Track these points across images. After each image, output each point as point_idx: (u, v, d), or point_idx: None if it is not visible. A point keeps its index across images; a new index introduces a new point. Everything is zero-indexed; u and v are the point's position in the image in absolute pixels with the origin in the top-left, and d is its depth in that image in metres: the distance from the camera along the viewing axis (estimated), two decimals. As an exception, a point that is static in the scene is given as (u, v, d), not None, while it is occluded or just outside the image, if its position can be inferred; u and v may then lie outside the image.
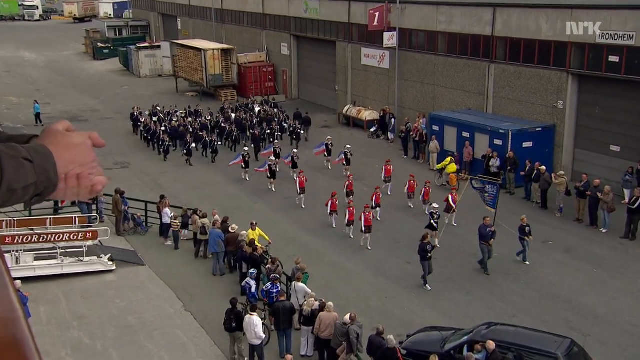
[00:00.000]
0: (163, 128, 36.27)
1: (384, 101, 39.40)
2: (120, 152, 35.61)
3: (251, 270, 18.83)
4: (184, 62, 52.19)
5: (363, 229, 22.48)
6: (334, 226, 24.22)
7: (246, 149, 31.61)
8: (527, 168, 26.70)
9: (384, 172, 27.60)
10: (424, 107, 36.03)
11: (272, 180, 28.78)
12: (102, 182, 1.89)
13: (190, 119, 38.17)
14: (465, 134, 29.86)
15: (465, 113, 32.01)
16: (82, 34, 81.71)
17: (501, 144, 28.06)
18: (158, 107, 41.45)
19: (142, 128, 37.71)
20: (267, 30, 52.26)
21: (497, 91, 31.78)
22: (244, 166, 30.41)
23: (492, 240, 20.49)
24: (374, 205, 24.55)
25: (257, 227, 21.46)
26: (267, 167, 28.75)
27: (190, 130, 35.82)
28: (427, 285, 19.83)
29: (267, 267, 19.36)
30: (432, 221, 22.35)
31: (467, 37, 33.29)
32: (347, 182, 26.27)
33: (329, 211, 24.35)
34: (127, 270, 21.78)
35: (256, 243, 20.47)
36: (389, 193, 27.16)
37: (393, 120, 37.21)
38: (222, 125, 36.53)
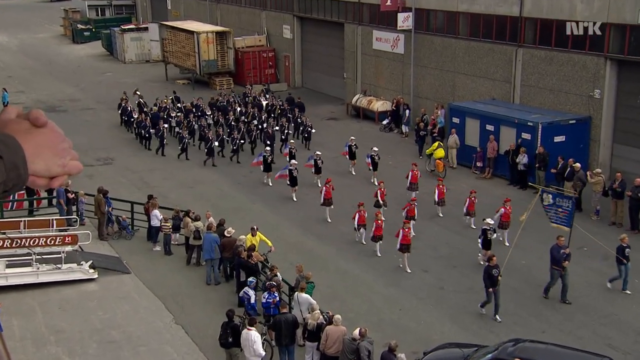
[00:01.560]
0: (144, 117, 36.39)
1: (397, 90, 39.34)
2: (103, 146, 35.68)
3: (250, 279, 18.81)
4: (174, 46, 52.25)
5: (398, 246, 21.61)
6: (363, 242, 23.50)
7: (268, 148, 30.40)
8: (559, 165, 26.63)
9: (409, 177, 26.77)
10: (443, 97, 35.96)
11: (294, 187, 27.72)
12: (77, 167, 1.93)
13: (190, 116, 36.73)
14: (489, 127, 29.80)
15: (489, 103, 31.95)
16: (60, 14, 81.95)
17: (530, 138, 28.00)
18: (138, 92, 41.39)
19: (135, 126, 36.41)
20: (267, 10, 52.25)
21: (526, 79, 31.70)
22: (263, 169, 29.57)
23: (567, 262, 19.39)
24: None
25: (257, 232, 21.42)
26: (288, 173, 27.70)
27: (203, 126, 34.91)
28: (497, 316, 18.82)
29: (266, 275, 19.35)
30: (486, 238, 21.21)
31: (491, 18, 33.20)
32: (377, 191, 25.23)
33: (355, 225, 23.44)
34: (111, 279, 21.77)
35: (257, 249, 20.46)
36: (415, 202, 26.50)
37: (408, 111, 37.15)
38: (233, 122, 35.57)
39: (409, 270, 21.54)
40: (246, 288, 18.55)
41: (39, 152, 1.82)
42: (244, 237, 21.09)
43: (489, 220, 21.62)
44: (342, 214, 25.43)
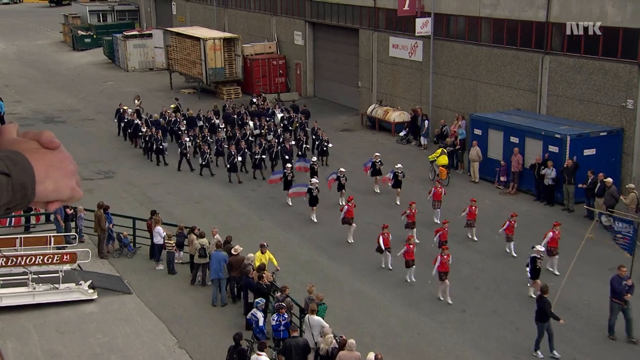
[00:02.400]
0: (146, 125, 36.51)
1: (415, 100, 39.35)
2: (104, 159, 35.86)
3: (257, 300, 18.78)
4: (180, 53, 52.58)
5: (435, 274, 21.16)
6: (390, 268, 23.00)
7: (289, 165, 30.09)
8: (589, 180, 26.50)
9: (432, 194, 26.56)
10: (464, 107, 35.93)
11: (313, 207, 27.19)
12: (79, 194, 1.97)
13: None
14: (514, 139, 29.72)
15: (513, 114, 31.88)
16: (59, 20, 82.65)
17: (557, 151, 27.90)
18: (137, 101, 41.55)
19: (146, 139, 35.77)
20: (277, 15, 52.53)
21: (553, 88, 31.63)
22: (284, 187, 29.17)
23: (629, 295, 18.59)
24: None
25: (267, 250, 21.42)
26: (307, 191, 27.19)
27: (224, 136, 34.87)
28: (538, 352, 18.29)
29: (275, 297, 19.32)
30: (536, 267, 20.64)
31: (516, 24, 33.20)
32: (407, 211, 24.80)
33: (382, 248, 22.83)
34: (111, 300, 21.79)
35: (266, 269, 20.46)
36: (437, 221, 26.18)
37: (426, 122, 37.14)
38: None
39: (450, 302, 20.85)
40: (254, 310, 18.48)
41: (49, 173, 1.85)
42: (252, 255, 21.06)
43: (538, 247, 20.77)
44: (357, 233, 25.37)
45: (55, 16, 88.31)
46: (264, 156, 32.69)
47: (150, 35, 61.58)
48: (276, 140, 33.75)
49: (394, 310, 20.84)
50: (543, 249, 21.08)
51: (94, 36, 71.78)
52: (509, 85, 33.78)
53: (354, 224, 25.21)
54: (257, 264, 20.53)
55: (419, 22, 37.35)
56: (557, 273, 21.90)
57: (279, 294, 19.17)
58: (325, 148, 34.08)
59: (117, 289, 22.41)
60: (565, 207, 27.61)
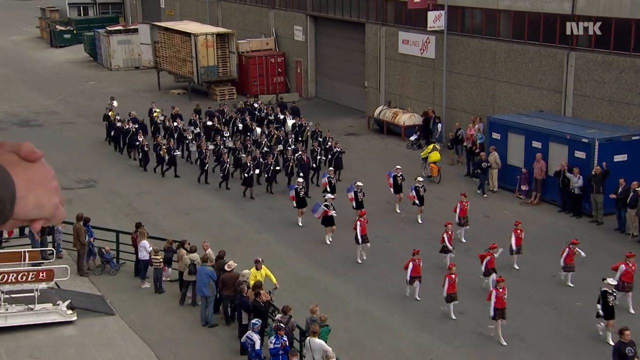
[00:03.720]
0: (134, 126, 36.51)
1: (427, 101, 39.34)
2: (85, 166, 35.86)
3: (254, 321, 18.71)
4: (169, 50, 52.69)
5: (492, 313, 20.14)
6: (417, 298, 22.22)
7: (300, 179, 29.39)
8: (620, 189, 26.43)
9: (458, 211, 25.98)
10: (481, 109, 35.92)
11: (331, 227, 26.35)
12: (63, 214, 2.01)
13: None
14: (536, 144, 29.68)
15: (535, 116, 31.86)
16: (36, 13, 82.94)
17: (584, 157, 27.83)
18: (113, 103, 41.45)
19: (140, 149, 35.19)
20: (275, 9, 52.65)
21: (579, 87, 31.61)
22: (296, 205, 28.38)
23: None
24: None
25: (263, 266, 21.38)
26: (325, 210, 26.18)
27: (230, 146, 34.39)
28: None
29: (275, 318, 19.26)
30: (607, 304, 19.78)
31: (538, 17, 33.21)
32: (444, 235, 23.86)
33: (408, 277, 22.04)
34: (92, 322, 21.69)
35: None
36: (464, 240, 25.92)
37: (439, 125, 37.12)
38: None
39: (505, 343, 19.85)
40: (249, 332, 18.42)
41: (30, 187, 1.85)
42: (247, 271, 21.05)
43: (610, 281, 19.86)
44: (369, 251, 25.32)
45: (31, 9, 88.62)
46: (277, 167, 32.04)
47: (136, 31, 61.64)
48: (292, 153, 32.45)
49: (404, 333, 20.73)
50: (614, 282, 20.04)
51: (74, 31, 72.00)
52: (530, 85, 33.75)
53: (368, 243, 24.79)
54: (252, 281, 20.48)
55: (431, 15, 37.35)
56: (633, 311, 21.08)
57: (280, 315, 19.09)
58: (337, 160, 32.80)
59: (98, 309, 22.32)
60: (594, 219, 27.52)
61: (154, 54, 54.94)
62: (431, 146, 32.93)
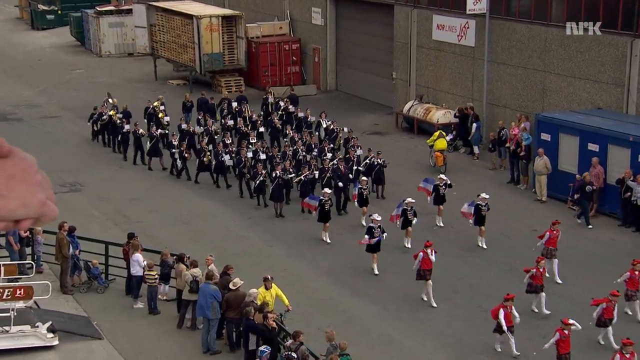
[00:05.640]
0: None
1: (465, 95, 39.25)
2: (70, 167, 35.94)
3: (262, 349, 18.78)
4: (167, 34, 52.85)
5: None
6: (515, 354, 20.70)
7: (328, 191, 28.85)
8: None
9: (545, 239, 24.27)
10: (528, 106, 35.81)
11: (375, 254, 25.44)
12: (53, 212, 2.07)
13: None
14: (593, 147, 29.52)
15: (592, 114, 31.73)
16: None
17: (650, 162, 27.69)
18: (110, 100, 40.94)
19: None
20: (290, -12, 52.72)
21: (644, 81, 31.46)
22: (319, 218, 28.04)
23: None
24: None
25: (273, 285, 21.35)
26: (370, 235, 25.04)
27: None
28: None
29: (285, 344, 19.20)
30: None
31: (596, -1, 33.09)
32: (533, 270, 22.41)
33: (505, 327, 20.35)
34: (76, 347, 21.69)
35: (270, 307, 20.37)
36: (560, 282, 24.23)
37: (475, 125, 36.93)
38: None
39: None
40: (258, 361, 18.47)
41: (11, 186, 1.87)
42: (255, 290, 21.01)
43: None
44: (389, 262, 25.23)
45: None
46: (314, 176, 30.99)
47: (129, 12, 61.92)
48: (330, 162, 31.43)
49: (438, 365, 20.67)
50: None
51: (59, 12, 72.34)
52: (587, 78, 33.57)
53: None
54: (260, 301, 20.45)
55: (471, -4, 37.30)
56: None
57: (290, 341, 19.07)
58: (381, 174, 31.74)
59: (83, 332, 22.34)
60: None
61: (151, 39, 55.13)
62: (437, 133, 34.00)
